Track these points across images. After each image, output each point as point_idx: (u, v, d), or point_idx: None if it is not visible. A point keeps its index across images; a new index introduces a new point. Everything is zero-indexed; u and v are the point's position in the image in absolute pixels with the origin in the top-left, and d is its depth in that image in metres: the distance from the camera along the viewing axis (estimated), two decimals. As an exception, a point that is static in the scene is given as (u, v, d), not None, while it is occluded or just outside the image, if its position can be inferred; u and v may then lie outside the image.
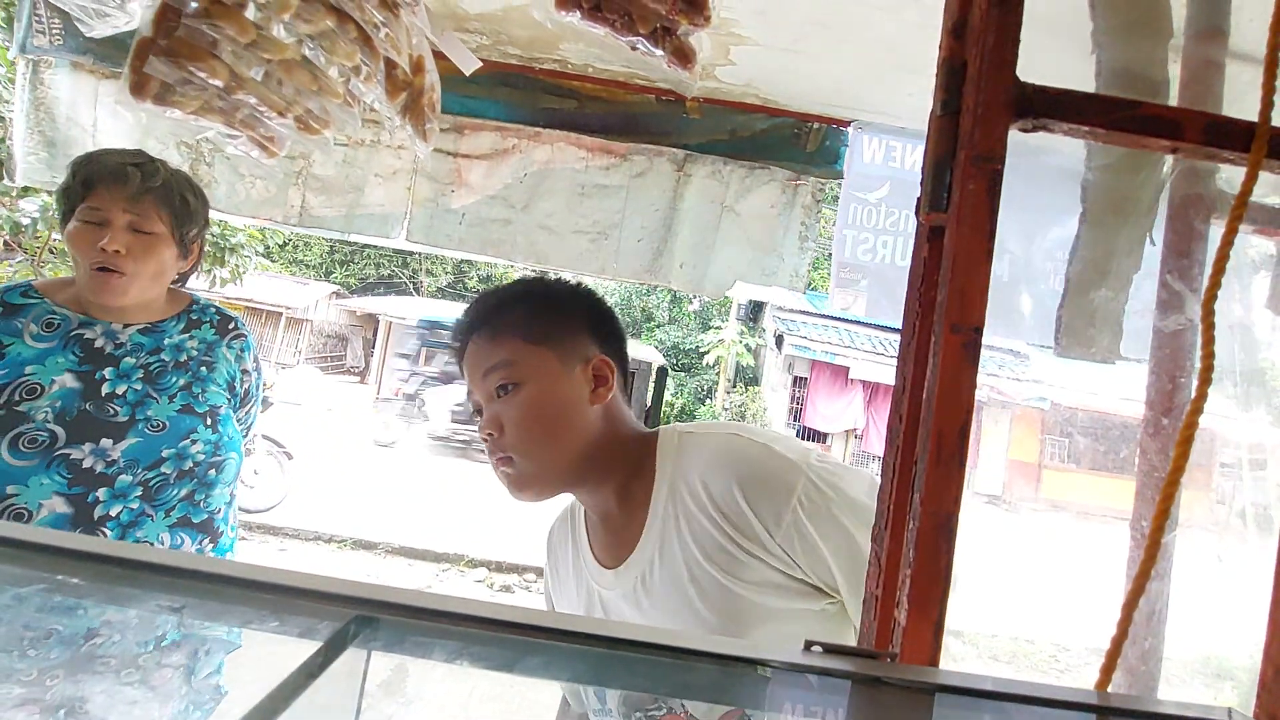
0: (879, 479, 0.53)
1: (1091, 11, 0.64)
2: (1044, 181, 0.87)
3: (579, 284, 0.96)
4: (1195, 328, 0.54)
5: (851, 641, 0.63)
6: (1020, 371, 13.01)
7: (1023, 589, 6.84)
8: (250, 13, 0.69)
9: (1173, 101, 0.58)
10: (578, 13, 0.74)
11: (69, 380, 1.13)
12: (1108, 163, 0.56)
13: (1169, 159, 0.57)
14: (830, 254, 2.16)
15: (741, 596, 0.81)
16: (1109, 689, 0.40)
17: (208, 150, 2.07)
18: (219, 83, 0.71)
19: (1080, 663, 5.55)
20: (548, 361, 0.87)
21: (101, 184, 1.15)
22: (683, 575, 0.83)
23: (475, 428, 0.91)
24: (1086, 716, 0.39)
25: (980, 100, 0.43)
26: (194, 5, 0.66)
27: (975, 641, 5.59)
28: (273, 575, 0.32)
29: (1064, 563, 9.05)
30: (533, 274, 0.99)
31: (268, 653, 0.32)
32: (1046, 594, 7.09)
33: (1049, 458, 14.54)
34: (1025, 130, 0.44)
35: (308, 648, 0.31)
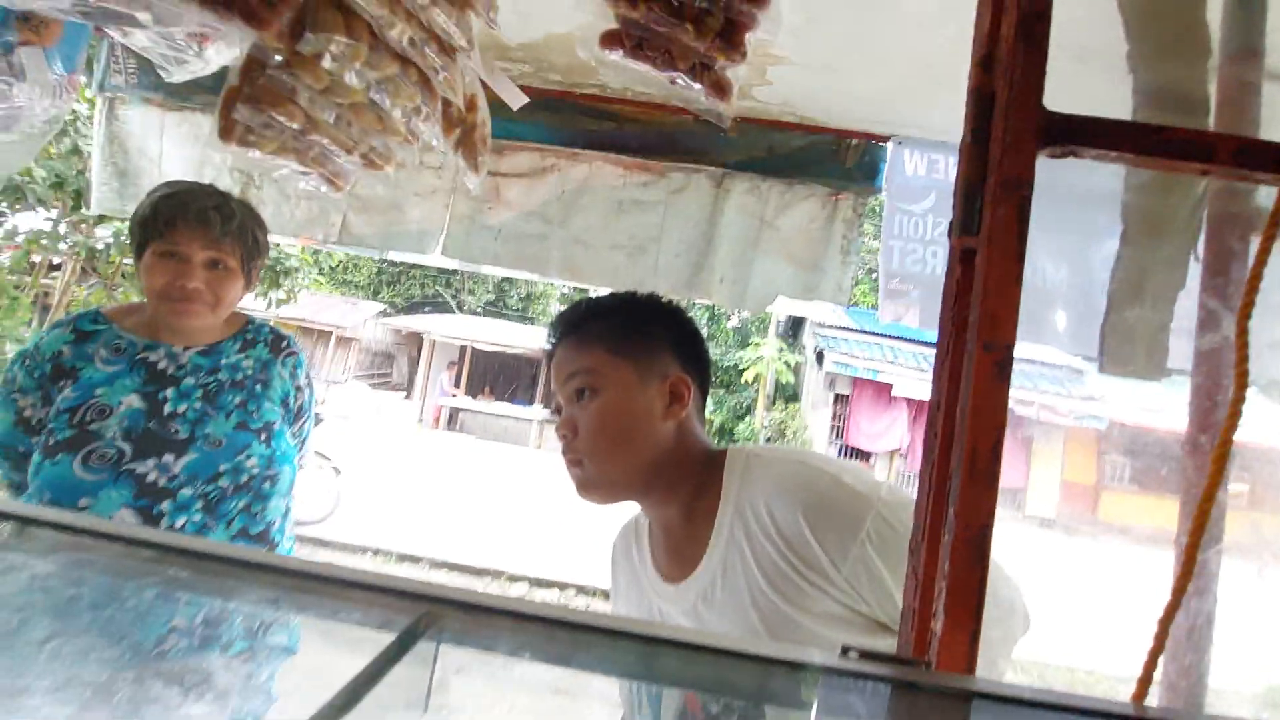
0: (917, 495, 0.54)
1: (1126, 33, 0.64)
2: (1086, 200, 0.87)
3: (670, 303, 0.99)
4: (1232, 345, 0.54)
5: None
6: (1074, 389, 12.51)
7: (1080, 617, 6.54)
8: (326, 63, 0.76)
9: (1210, 121, 0.58)
10: (620, 51, 0.78)
11: (135, 401, 1.21)
12: (1142, 183, 0.57)
13: (1205, 179, 0.57)
14: (870, 270, 2.14)
15: (803, 626, 0.80)
16: (1148, 701, 0.40)
17: (257, 175, 2.19)
18: (296, 125, 0.79)
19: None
20: (626, 374, 0.91)
21: (184, 224, 1.23)
22: (745, 599, 0.84)
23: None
24: (1124, 729, 0.40)
25: (1009, 129, 0.45)
26: (277, 58, 0.74)
27: (1028, 670, 5.37)
28: (352, 574, 0.36)
29: (1125, 589, 8.61)
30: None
31: (348, 639, 0.36)
32: (1106, 623, 6.76)
33: (1107, 479, 13.90)
34: (1054, 156, 0.46)
35: (383, 638, 0.35)
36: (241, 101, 0.75)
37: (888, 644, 0.80)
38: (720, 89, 0.81)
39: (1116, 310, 0.58)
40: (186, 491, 1.19)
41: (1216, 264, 0.56)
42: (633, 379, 0.91)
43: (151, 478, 1.18)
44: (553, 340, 0.97)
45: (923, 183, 2.04)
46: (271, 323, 1.47)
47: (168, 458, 1.19)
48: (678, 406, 0.92)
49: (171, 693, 0.44)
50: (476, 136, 0.94)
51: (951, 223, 0.49)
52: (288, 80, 0.75)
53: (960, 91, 0.51)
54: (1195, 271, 0.66)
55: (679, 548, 0.93)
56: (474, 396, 17.59)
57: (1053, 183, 0.51)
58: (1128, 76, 0.65)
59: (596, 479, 0.90)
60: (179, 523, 1.18)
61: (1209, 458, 0.42)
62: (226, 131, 0.78)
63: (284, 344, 1.41)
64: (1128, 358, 0.57)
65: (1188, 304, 0.70)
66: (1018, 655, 0.89)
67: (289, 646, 0.46)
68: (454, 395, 17.09)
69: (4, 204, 4.38)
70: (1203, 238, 0.62)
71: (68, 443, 1.16)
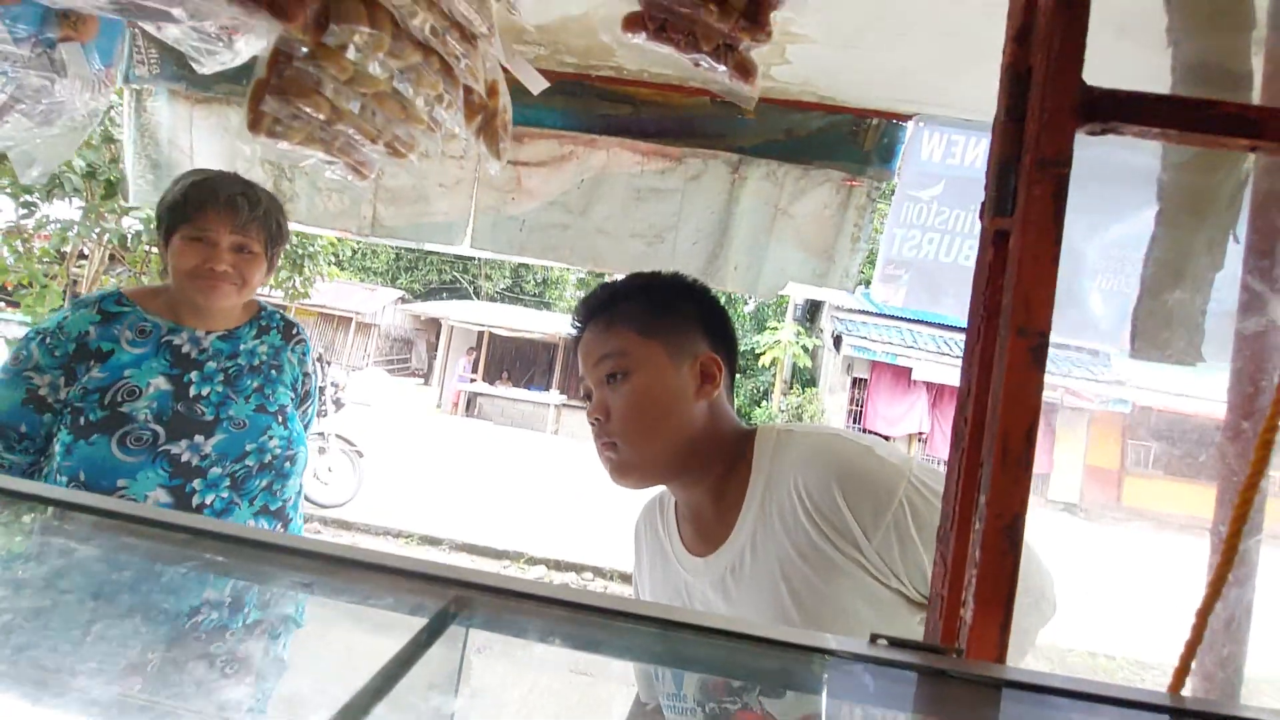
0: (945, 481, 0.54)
1: (1166, 5, 0.62)
2: (1113, 177, 0.85)
3: (695, 282, 0.98)
4: (1278, 329, 0.52)
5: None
6: (1099, 373, 12.30)
7: (1102, 602, 6.48)
8: (350, 53, 0.77)
9: (1255, 95, 0.56)
10: (644, 34, 0.77)
11: (162, 383, 1.25)
12: (1183, 160, 0.55)
13: (1250, 155, 0.55)
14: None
15: (832, 599, 0.80)
16: (1183, 692, 0.40)
17: (288, 167, 2.21)
18: (322, 116, 0.80)
19: (1165, 681, 5.21)
20: (658, 355, 0.90)
21: (213, 210, 1.26)
22: (775, 571, 0.84)
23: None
24: (1158, 719, 0.39)
25: (1045, 106, 0.44)
26: (303, 50, 0.75)
27: (1049, 655, 5.34)
28: (383, 559, 0.36)
29: (1147, 575, 8.51)
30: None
31: (381, 623, 0.36)
32: (1128, 608, 6.70)
33: (1131, 464, 13.69)
34: (1093, 134, 0.44)
35: (415, 622, 0.35)
36: (269, 94, 0.76)
37: (917, 619, 0.80)
38: (745, 70, 0.79)
39: (1152, 294, 0.56)
40: (216, 470, 1.24)
41: (1262, 244, 0.54)
42: (664, 360, 0.90)
43: (185, 458, 1.22)
44: (579, 325, 0.96)
45: (936, 169, 2.03)
46: (284, 311, 1.52)
47: (198, 438, 1.24)
48: (709, 386, 0.92)
49: (200, 668, 0.46)
50: (498, 123, 0.94)
51: (984, 203, 0.48)
52: (313, 72, 0.76)
53: (988, 64, 0.50)
54: (1232, 252, 0.64)
55: (708, 524, 0.93)
56: (492, 382, 17.72)
57: (1076, 158, 0.49)
58: (1167, 51, 0.63)
59: (633, 462, 0.89)
60: (208, 500, 1.23)
61: (1251, 444, 0.41)
62: (255, 124, 0.79)
63: (294, 331, 1.47)
64: (1165, 342, 0.55)
65: (1221, 287, 0.68)
66: (1037, 640, 0.89)
67: (295, 618, 0.48)
68: (472, 381, 17.24)
69: (39, 194, 4.47)
70: (1244, 217, 0.60)
71: (102, 423, 1.19)
